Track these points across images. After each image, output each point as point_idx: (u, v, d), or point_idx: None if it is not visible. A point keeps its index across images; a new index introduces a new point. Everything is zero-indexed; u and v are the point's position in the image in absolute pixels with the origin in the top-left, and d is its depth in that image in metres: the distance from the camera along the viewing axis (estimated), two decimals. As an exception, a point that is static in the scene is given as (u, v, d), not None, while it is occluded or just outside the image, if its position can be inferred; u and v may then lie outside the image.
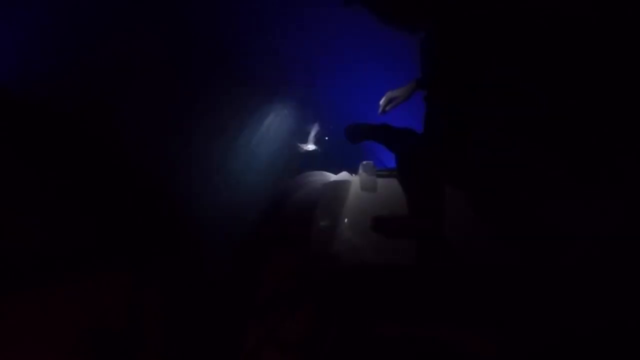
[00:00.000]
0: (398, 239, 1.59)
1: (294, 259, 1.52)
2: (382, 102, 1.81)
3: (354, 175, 2.01)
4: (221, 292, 1.45)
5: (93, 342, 1.02)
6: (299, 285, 1.46)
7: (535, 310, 1.29)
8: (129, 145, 1.37)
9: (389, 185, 1.77)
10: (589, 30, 1.22)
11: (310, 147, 2.12)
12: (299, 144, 2.13)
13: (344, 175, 1.99)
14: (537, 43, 1.21)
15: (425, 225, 1.55)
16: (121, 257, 1.15)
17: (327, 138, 2.31)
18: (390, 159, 1.67)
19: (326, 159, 2.06)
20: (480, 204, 1.46)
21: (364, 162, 1.87)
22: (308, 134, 2.15)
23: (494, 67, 1.23)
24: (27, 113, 1.21)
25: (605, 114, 1.21)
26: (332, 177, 1.97)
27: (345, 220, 1.73)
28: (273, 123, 2.58)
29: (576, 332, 1.24)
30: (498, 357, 1.25)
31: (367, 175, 1.86)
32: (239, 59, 2.74)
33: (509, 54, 1.22)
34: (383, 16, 1.41)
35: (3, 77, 2.29)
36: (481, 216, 1.48)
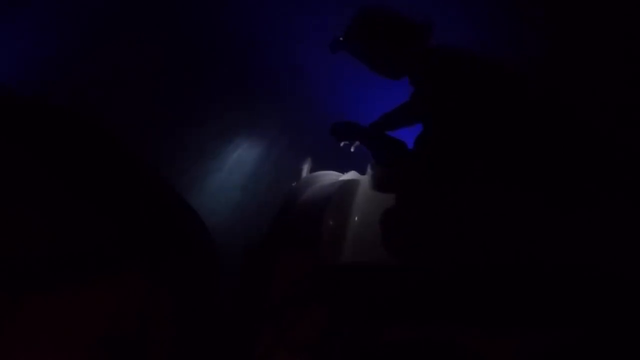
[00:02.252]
0: (408, 238, 1.57)
1: (304, 261, 1.51)
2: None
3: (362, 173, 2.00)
4: (232, 295, 1.44)
5: (105, 345, 1.01)
6: (310, 287, 1.45)
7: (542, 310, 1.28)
8: (139, 145, 1.36)
9: (399, 184, 1.74)
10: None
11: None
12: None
13: (352, 174, 1.97)
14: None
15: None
16: (133, 260, 1.14)
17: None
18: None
19: (334, 159, 2.05)
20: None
21: (373, 161, 1.86)
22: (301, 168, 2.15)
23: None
24: (35, 114, 1.20)
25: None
26: (341, 176, 1.95)
27: (355, 219, 1.71)
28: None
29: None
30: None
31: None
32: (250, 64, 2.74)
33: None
34: (367, 64, 1.63)
35: (8, 77, 2.30)
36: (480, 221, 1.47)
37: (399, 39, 1.54)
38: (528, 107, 1.43)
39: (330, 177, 1.95)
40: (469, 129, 1.41)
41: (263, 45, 2.75)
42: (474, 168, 1.43)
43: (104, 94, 2.34)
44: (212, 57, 2.75)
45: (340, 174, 1.95)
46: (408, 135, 1.71)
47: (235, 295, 1.46)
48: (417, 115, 1.65)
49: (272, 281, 1.45)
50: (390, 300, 1.38)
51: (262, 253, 1.56)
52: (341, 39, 1.63)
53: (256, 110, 2.68)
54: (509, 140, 1.40)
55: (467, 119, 1.41)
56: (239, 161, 2.50)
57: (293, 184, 1.96)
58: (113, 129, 1.32)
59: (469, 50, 1.51)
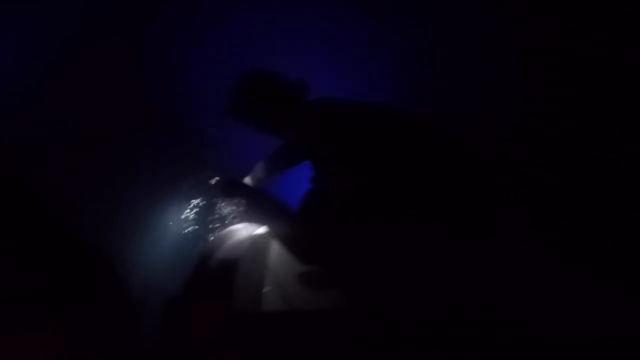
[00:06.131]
0: (321, 285, 1.70)
1: (219, 310, 1.57)
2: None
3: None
4: (154, 342, 1.45)
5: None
6: (227, 337, 1.51)
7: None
8: (55, 195, 1.38)
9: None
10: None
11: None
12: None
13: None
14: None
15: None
16: (55, 311, 1.16)
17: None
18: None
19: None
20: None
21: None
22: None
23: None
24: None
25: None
26: (255, 230, 2.06)
27: (269, 272, 1.83)
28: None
29: None
30: None
31: None
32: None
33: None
34: (254, 126, 1.71)
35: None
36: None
37: (275, 100, 1.61)
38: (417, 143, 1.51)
39: (245, 231, 2.06)
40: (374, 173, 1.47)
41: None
42: (384, 209, 1.49)
43: (32, 144, 2.24)
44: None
45: (255, 227, 2.07)
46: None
47: (158, 341, 1.47)
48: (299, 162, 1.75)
49: (191, 331, 1.50)
50: (303, 348, 1.45)
51: (182, 302, 1.61)
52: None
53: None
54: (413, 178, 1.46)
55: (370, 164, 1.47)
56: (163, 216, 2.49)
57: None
58: (37, 183, 1.34)
59: (346, 100, 1.60)
